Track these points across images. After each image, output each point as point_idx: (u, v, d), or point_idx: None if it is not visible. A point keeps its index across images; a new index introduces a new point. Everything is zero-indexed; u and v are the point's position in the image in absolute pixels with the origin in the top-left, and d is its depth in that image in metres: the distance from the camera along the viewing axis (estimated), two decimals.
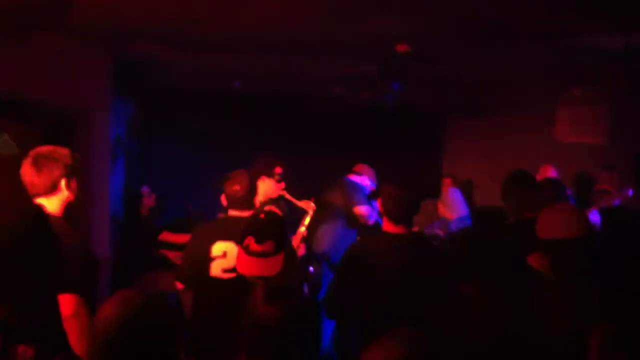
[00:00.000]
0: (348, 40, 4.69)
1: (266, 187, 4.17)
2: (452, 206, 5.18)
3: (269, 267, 2.55)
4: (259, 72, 5.97)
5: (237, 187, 3.38)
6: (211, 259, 3.27)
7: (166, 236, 5.43)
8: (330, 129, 6.73)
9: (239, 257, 2.59)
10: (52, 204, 2.71)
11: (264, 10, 3.80)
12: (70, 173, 2.74)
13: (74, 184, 2.76)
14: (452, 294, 3.08)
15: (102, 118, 4.89)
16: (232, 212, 3.43)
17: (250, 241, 2.55)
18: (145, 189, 5.67)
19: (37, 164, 2.70)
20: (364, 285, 2.98)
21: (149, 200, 5.65)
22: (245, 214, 3.36)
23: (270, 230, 2.58)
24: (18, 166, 2.83)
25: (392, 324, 2.85)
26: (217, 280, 3.24)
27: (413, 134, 7.03)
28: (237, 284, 2.93)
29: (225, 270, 3.24)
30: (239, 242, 2.72)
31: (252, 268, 2.54)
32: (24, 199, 2.79)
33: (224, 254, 3.26)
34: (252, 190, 3.43)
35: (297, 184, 4.40)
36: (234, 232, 3.17)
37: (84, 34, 4.52)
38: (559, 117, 6.52)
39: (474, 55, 5.23)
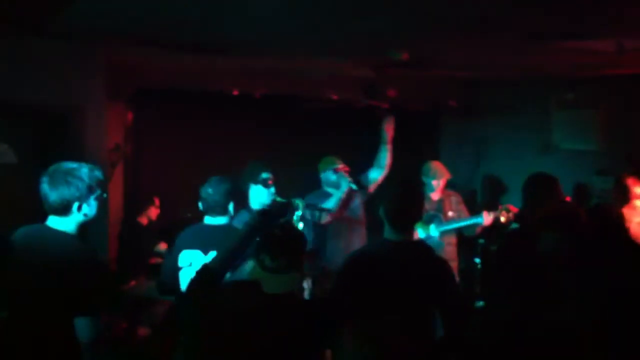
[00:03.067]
0: (341, 43, 4.69)
1: (255, 194, 4.14)
2: (438, 171, 5.22)
3: (283, 284, 2.51)
4: (252, 74, 5.96)
5: (210, 192, 3.33)
6: (179, 269, 3.24)
7: (163, 246, 5.41)
8: (322, 130, 6.70)
9: (255, 272, 2.55)
10: (64, 223, 2.62)
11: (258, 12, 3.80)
12: (86, 196, 2.61)
13: (89, 205, 2.63)
14: (455, 302, 3.09)
15: (96, 120, 4.87)
16: (206, 219, 3.38)
17: (264, 257, 2.51)
18: (156, 201, 5.64)
19: (52, 182, 2.59)
20: (364, 294, 2.98)
21: (154, 211, 5.60)
22: (220, 220, 3.33)
23: (285, 247, 2.53)
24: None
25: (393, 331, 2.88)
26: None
27: (407, 135, 7.03)
28: None
29: None
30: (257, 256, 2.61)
31: (266, 284, 2.50)
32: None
33: (190, 264, 3.23)
34: (228, 195, 3.36)
35: (290, 184, 4.39)
36: (201, 240, 3.21)
37: (77, 36, 4.50)
38: (552, 122, 6.54)
39: (468, 57, 5.25)
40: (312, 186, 5.15)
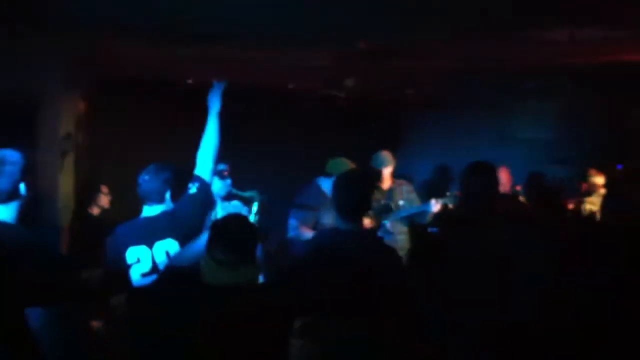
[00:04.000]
0: (303, 31, 4.68)
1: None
2: (386, 160, 5.22)
3: (236, 277, 2.43)
4: (216, 64, 5.90)
5: (146, 178, 3.27)
6: (128, 266, 3.19)
7: None
8: (283, 124, 6.69)
9: (206, 264, 2.46)
10: (7, 211, 2.60)
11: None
12: (24, 176, 2.62)
13: (25, 187, 2.64)
14: (402, 290, 3.12)
15: (52, 113, 4.79)
16: (145, 210, 3.30)
17: (215, 251, 2.42)
18: (104, 188, 5.54)
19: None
20: (315, 283, 2.97)
21: (104, 199, 5.51)
22: (157, 209, 3.26)
23: (237, 241, 2.44)
24: None
25: (339, 320, 2.90)
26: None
27: (369, 129, 7.05)
28: None
29: (144, 275, 3.18)
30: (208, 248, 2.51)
31: (219, 277, 2.43)
32: None
33: (138, 260, 3.19)
34: (165, 183, 3.30)
35: (250, 177, 4.37)
36: (145, 234, 3.16)
37: (34, 26, 4.41)
38: (511, 112, 6.62)
39: (427, 49, 5.27)
40: (273, 182, 5.13)
